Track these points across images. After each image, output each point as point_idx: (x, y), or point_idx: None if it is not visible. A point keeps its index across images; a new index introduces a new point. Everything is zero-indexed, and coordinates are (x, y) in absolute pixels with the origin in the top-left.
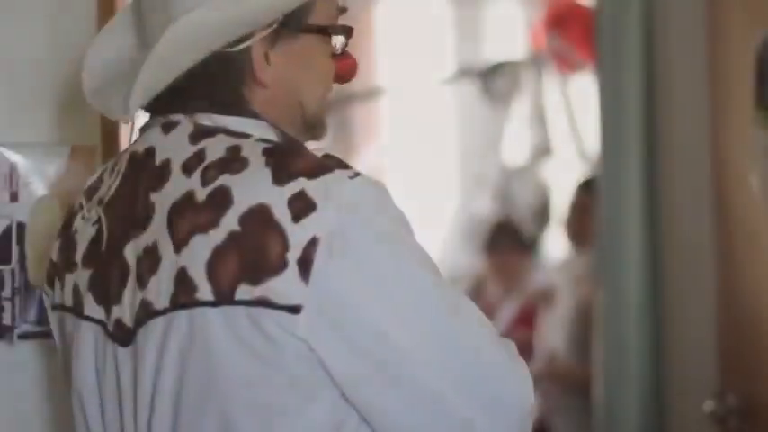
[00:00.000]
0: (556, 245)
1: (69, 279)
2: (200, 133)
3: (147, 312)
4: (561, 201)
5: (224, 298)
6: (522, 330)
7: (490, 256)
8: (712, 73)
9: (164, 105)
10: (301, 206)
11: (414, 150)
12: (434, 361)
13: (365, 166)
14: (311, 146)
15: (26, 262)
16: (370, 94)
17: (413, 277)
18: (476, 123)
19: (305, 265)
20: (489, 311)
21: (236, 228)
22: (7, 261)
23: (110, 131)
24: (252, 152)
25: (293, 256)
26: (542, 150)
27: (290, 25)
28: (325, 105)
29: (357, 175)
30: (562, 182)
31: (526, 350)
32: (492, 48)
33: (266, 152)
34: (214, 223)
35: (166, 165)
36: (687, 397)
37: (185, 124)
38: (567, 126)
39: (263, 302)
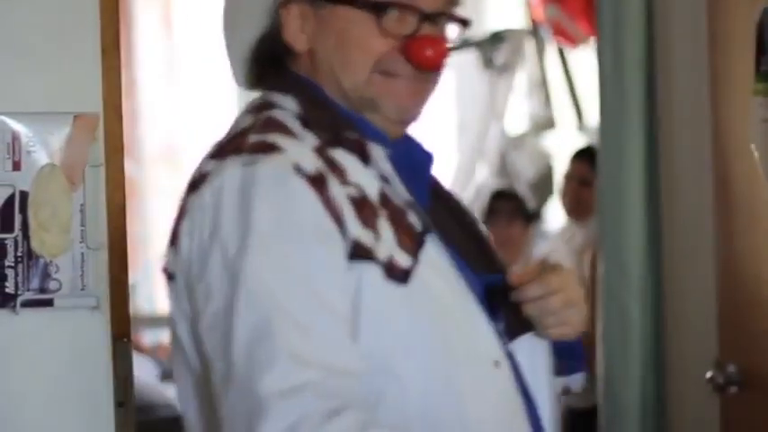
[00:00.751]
0: (558, 216)
1: None
2: (248, 109)
3: None
4: (563, 172)
5: None
6: None
7: (491, 226)
8: (713, 44)
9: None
10: (197, 183)
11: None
12: (214, 354)
13: None
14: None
15: (29, 230)
16: None
17: (233, 273)
18: (476, 93)
19: (174, 235)
20: None
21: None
22: (10, 230)
23: (113, 101)
24: (231, 130)
25: (174, 226)
26: (545, 122)
27: None
28: (369, 84)
29: (255, 163)
30: (565, 153)
31: None
32: (491, 19)
33: (236, 132)
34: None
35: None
36: (687, 367)
37: (257, 100)
38: (567, 97)
39: (164, 270)
